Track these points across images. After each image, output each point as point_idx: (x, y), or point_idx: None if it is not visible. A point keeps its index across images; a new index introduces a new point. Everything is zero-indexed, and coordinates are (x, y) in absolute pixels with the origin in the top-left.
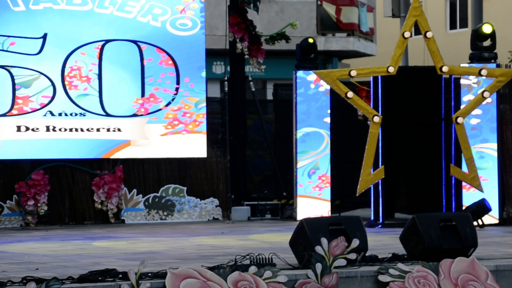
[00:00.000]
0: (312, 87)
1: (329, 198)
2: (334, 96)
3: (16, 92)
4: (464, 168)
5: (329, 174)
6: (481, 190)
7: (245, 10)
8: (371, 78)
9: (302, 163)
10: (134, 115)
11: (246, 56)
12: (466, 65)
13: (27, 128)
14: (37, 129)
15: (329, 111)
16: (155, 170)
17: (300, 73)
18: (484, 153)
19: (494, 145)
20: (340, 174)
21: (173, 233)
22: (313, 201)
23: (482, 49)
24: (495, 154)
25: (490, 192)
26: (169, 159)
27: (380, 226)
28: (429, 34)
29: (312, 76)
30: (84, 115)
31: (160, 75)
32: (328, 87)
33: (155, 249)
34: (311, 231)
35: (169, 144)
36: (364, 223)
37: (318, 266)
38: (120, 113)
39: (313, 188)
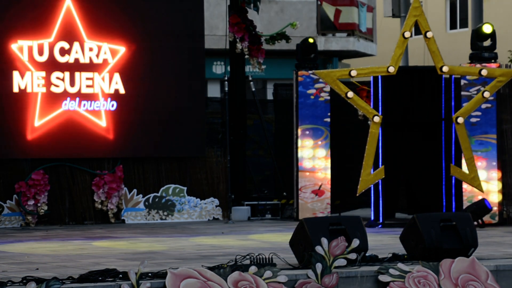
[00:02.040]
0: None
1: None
2: (334, 96)
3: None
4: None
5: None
6: (481, 190)
7: (245, 10)
8: (371, 78)
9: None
10: None
11: (246, 56)
12: (466, 65)
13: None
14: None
15: (329, 114)
16: (155, 170)
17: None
18: (484, 141)
19: (494, 136)
20: (340, 174)
21: (173, 233)
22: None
23: (482, 49)
24: (494, 142)
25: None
26: (169, 159)
27: (380, 226)
28: (429, 34)
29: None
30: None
31: None
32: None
33: (155, 249)
34: (311, 231)
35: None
36: (364, 223)
37: (318, 266)
38: None
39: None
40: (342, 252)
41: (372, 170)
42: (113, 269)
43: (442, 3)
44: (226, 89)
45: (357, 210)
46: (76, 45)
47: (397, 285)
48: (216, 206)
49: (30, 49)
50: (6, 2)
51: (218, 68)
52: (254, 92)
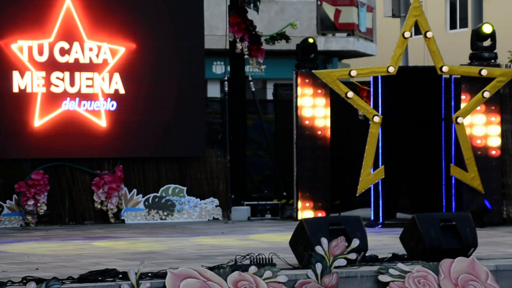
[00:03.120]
0: None
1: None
2: (334, 96)
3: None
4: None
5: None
6: (481, 190)
7: (245, 10)
8: (371, 78)
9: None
10: None
11: (246, 56)
12: (466, 65)
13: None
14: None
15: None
16: (155, 170)
17: None
18: None
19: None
20: (340, 174)
21: (173, 233)
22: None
23: (482, 49)
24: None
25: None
26: (169, 159)
27: (380, 226)
28: (429, 34)
29: None
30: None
31: None
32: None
33: (155, 249)
34: (311, 231)
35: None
36: (364, 223)
37: (318, 266)
38: None
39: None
40: (342, 252)
41: (372, 170)
42: (113, 269)
43: (442, 3)
44: (226, 89)
45: (357, 210)
46: (76, 45)
47: (397, 285)
48: (216, 206)
49: (30, 49)
50: (6, 2)
51: (218, 68)
52: (254, 92)
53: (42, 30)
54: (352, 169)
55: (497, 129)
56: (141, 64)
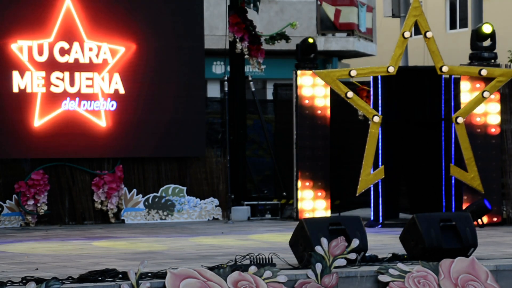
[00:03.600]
0: None
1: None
2: (334, 96)
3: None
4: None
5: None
6: (481, 190)
7: (245, 10)
8: (371, 78)
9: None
10: None
11: (246, 56)
12: (466, 65)
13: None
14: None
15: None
16: (155, 170)
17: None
18: None
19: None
20: (340, 174)
21: (173, 233)
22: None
23: (482, 49)
24: None
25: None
26: (169, 159)
27: (380, 226)
28: (429, 34)
29: None
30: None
31: None
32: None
33: (155, 249)
34: (311, 231)
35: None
36: (364, 223)
37: (318, 266)
38: None
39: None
40: (341, 252)
41: (372, 170)
42: (113, 269)
43: (442, 3)
44: (226, 89)
45: (357, 210)
46: (76, 45)
47: (396, 285)
48: (216, 206)
49: (30, 49)
50: (6, 2)
51: (218, 68)
52: (254, 92)
53: (42, 30)
54: (352, 169)
55: (497, 129)
56: (141, 64)
